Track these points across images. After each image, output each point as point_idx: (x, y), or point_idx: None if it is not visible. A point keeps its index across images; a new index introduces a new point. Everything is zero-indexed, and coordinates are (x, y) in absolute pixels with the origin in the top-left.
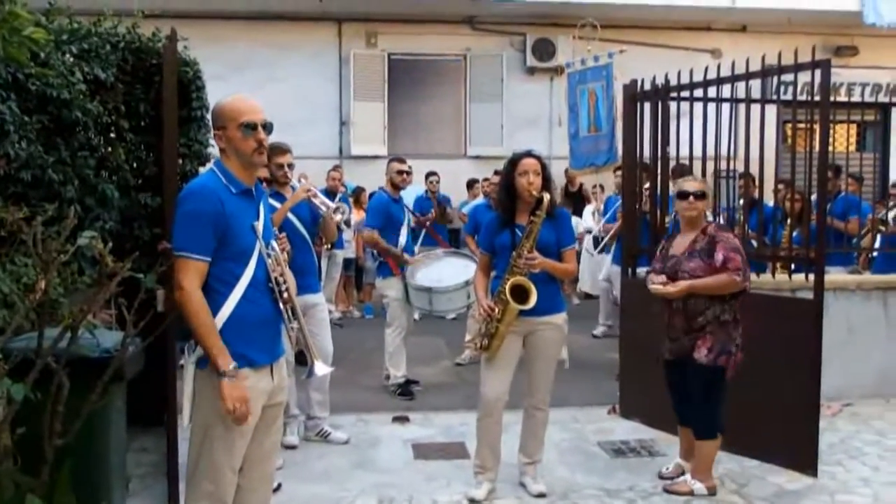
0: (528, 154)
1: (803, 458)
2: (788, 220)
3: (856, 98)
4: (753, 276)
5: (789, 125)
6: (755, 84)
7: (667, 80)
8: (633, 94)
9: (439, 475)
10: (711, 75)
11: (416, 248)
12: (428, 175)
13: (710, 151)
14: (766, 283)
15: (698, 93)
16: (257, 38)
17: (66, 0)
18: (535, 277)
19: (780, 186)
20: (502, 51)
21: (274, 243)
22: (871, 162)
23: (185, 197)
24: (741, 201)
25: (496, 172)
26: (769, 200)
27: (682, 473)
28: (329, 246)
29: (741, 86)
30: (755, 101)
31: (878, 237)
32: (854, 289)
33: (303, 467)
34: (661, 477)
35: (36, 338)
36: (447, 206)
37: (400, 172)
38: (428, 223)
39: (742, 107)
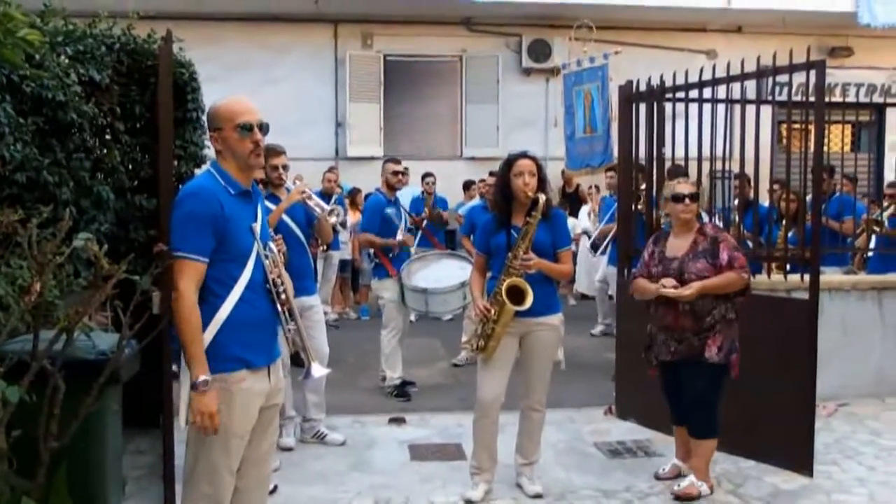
0: (524, 155)
1: (799, 458)
2: (783, 221)
3: (850, 99)
4: None
5: (784, 126)
6: (750, 85)
7: (662, 81)
8: (629, 95)
9: (436, 476)
10: (707, 76)
11: (413, 250)
12: (424, 176)
13: (706, 152)
14: (762, 284)
15: (693, 94)
16: (253, 39)
17: (61, 1)
18: (531, 278)
19: (776, 187)
20: (498, 52)
21: (272, 245)
22: (865, 162)
23: (184, 198)
24: (735, 202)
25: (492, 173)
26: (764, 201)
27: (679, 474)
28: (325, 247)
29: (736, 86)
30: (750, 101)
31: (874, 238)
32: (849, 289)
33: (299, 469)
34: (658, 477)
35: (31, 340)
36: (441, 211)
37: (395, 173)
38: (423, 223)
39: (737, 107)
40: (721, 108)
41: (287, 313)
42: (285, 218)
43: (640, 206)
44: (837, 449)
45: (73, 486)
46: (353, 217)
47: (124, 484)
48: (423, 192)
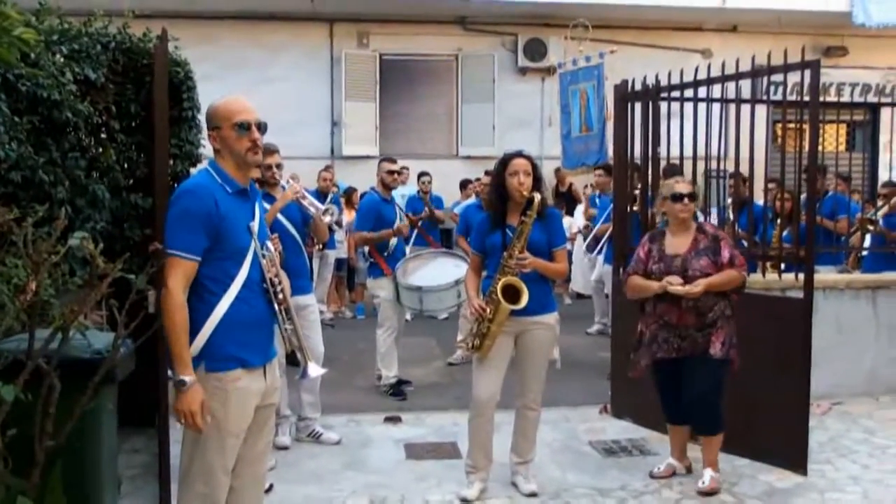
0: (519, 154)
1: (793, 456)
2: (778, 220)
3: (845, 98)
4: None
5: (779, 125)
6: (745, 84)
7: (657, 81)
8: (624, 95)
9: (431, 475)
10: (702, 75)
11: (408, 249)
12: (420, 175)
13: (701, 151)
14: (756, 283)
15: (689, 93)
16: (248, 38)
17: (57, 0)
18: (527, 277)
19: (771, 186)
20: (494, 51)
21: (269, 244)
22: (860, 162)
23: (179, 195)
24: (730, 201)
25: (487, 173)
26: (759, 200)
27: (674, 473)
28: (320, 247)
29: (731, 86)
30: (745, 101)
31: (868, 236)
32: (843, 288)
33: (294, 468)
34: (653, 476)
35: (27, 339)
36: (436, 210)
37: (391, 172)
38: (419, 223)
39: (732, 107)
40: (716, 107)
41: (284, 312)
42: (280, 217)
43: (635, 206)
44: (831, 447)
45: (68, 486)
46: (349, 216)
47: (120, 483)
48: (418, 192)
